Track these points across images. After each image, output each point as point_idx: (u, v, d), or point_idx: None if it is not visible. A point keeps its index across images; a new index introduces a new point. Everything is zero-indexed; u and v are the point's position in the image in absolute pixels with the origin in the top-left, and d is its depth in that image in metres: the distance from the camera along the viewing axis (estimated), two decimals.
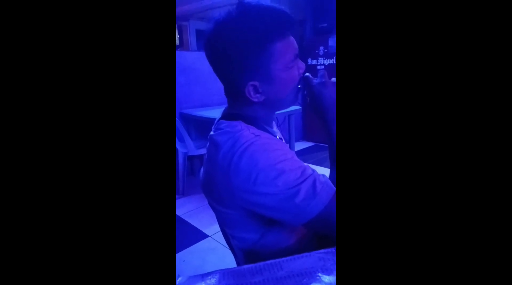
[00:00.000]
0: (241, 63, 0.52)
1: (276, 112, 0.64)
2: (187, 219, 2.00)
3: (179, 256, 1.61)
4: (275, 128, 0.66)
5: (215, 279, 0.40)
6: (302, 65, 0.58)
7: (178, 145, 2.27)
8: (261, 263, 0.42)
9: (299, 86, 0.59)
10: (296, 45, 0.55)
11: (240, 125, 0.55)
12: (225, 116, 0.60)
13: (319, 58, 3.49)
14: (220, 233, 0.67)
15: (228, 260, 1.49)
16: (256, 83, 0.54)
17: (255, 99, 0.55)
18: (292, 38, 0.55)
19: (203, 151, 2.10)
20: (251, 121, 0.57)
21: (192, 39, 3.75)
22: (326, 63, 3.40)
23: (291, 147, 2.75)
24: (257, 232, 0.59)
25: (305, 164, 0.53)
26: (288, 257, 0.42)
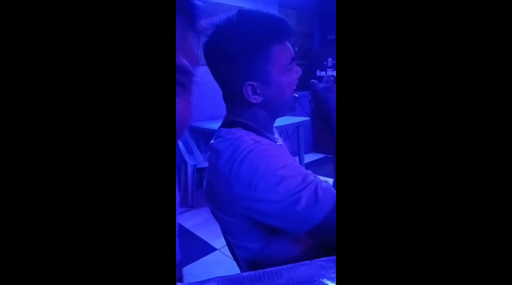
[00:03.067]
0: (240, 63, 0.53)
1: (276, 120, 0.64)
2: (195, 232, 1.98)
3: (186, 269, 1.58)
4: (276, 135, 0.66)
5: None
6: (298, 69, 0.59)
7: (187, 157, 2.29)
8: (261, 271, 0.40)
9: (295, 95, 0.60)
10: (292, 50, 0.57)
11: (239, 132, 0.55)
12: (225, 124, 0.60)
13: (327, 69, 3.50)
14: None
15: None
16: (254, 83, 0.54)
17: (253, 100, 0.55)
18: (288, 43, 0.56)
19: None
20: (250, 128, 0.57)
21: (201, 53, 3.86)
22: (335, 75, 3.41)
23: (301, 159, 2.71)
24: (260, 241, 0.57)
25: (307, 170, 0.51)
26: (289, 265, 0.41)
